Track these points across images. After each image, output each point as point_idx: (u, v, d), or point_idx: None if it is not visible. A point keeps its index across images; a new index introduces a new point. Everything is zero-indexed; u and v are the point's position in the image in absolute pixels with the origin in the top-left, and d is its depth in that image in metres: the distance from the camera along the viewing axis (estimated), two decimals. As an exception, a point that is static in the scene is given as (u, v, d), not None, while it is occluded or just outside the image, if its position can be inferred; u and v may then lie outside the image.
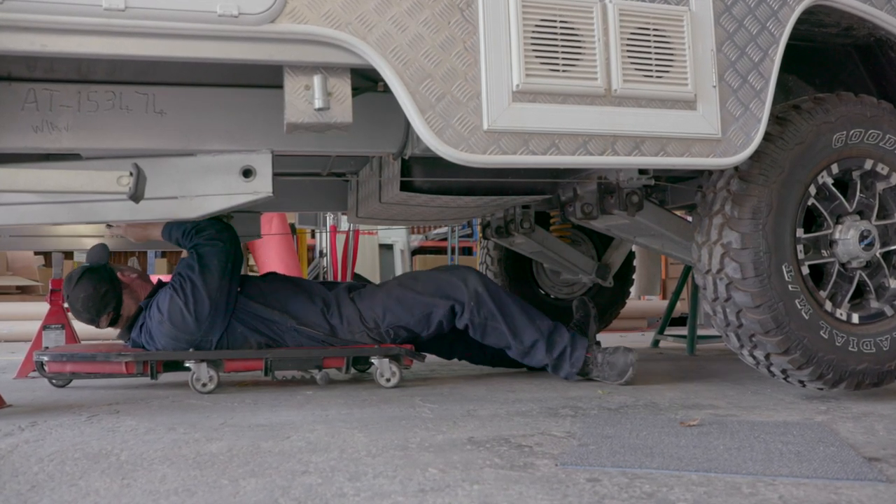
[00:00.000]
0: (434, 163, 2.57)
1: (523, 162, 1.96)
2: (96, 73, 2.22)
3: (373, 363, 2.85)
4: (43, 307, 3.56)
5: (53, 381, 2.93)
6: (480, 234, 4.07)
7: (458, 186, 2.67)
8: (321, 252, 6.38)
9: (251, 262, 6.51)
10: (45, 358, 2.84)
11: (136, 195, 1.96)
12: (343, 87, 1.90)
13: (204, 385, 2.72)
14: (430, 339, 2.98)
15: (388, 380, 2.81)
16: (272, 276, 3.09)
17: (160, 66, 2.17)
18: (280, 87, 1.97)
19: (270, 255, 5.43)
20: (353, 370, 2.92)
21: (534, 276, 4.30)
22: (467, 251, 8.83)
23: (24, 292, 7.61)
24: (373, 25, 1.87)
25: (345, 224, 6.13)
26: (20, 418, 2.23)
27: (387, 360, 2.82)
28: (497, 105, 1.93)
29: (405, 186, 2.63)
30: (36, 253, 8.02)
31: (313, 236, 7.23)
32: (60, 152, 2.39)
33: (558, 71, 1.99)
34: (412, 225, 6.95)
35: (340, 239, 6.08)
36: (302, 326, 2.86)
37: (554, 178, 2.80)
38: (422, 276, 3.06)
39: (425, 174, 2.62)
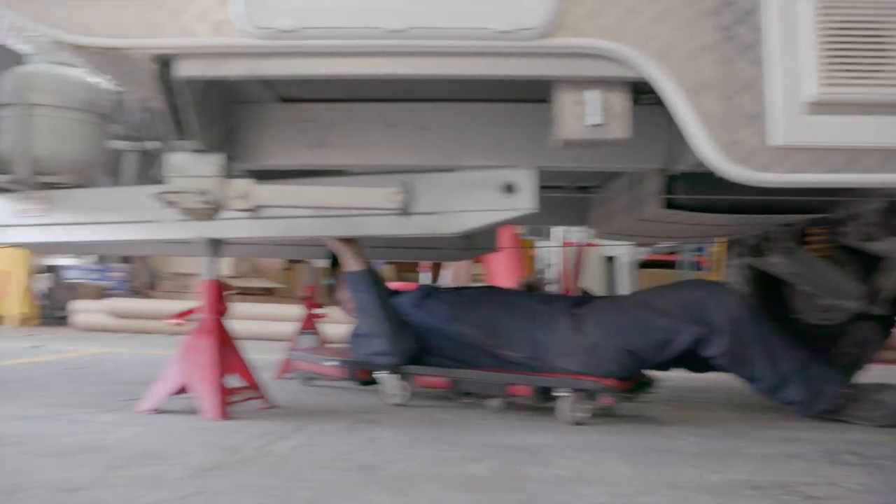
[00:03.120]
0: (698, 179, 2.41)
1: (819, 181, 1.75)
2: (364, 93, 2.30)
3: (559, 396, 2.47)
4: (287, 309, 3.79)
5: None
6: (727, 252, 3.81)
7: (723, 204, 2.48)
8: (547, 265, 6.35)
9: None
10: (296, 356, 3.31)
11: (406, 211, 1.99)
12: (621, 101, 1.81)
13: (392, 396, 2.74)
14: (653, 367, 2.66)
15: (577, 416, 2.42)
16: (482, 292, 2.94)
17: (426, 83, 2.20)
18: (543, 101, 1.92)
19: (500, 268, 5.50)
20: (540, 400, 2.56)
21: (785, 299, 3.95)
22: (694, 266, 8.16)
23: (268, 294, 8.20)
24: (651, 37, 1.76)
25: (573, 237, 6.07)
26: (288, 422, 2.34)
27: (577, 394, 2.45)
28: (788, 119, 1.75)
29: (669, 203, 2.48)
30: (277, 257, 8.60)
31: (536, 249, 7.21)
32: (327, 168, 2.50)
33: (860, 79, 1.76)
34: (660, 241, 6.38)
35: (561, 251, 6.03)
36: (499, 350, 2.69)
37: (831, 196, 2.52)
38: (666, 292, 2.71)
39: (689, 191, 2.46)
